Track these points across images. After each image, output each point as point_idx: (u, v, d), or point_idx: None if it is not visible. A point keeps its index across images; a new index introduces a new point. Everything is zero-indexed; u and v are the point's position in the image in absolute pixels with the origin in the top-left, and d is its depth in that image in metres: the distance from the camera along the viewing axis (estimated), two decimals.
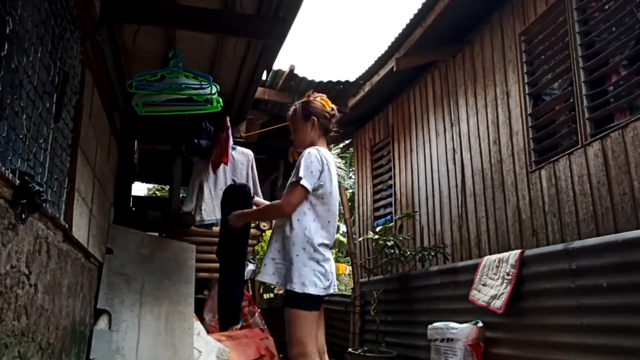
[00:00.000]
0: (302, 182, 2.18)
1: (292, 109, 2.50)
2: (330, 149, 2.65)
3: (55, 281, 2.32)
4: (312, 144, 2.37)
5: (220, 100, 3.59)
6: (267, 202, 2.59)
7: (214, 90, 3.51)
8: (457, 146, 4.75)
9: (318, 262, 2.20)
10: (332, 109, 2.44)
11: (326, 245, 2.28)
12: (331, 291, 2.27)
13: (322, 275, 2.20)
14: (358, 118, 6.59)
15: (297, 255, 2.18)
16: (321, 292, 2.18)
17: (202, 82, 3.49)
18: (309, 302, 2.16)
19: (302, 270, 2.16)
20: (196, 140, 4.39)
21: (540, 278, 2.98)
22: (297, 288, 2.14)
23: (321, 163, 2.25)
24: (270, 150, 6.46)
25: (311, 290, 2.14)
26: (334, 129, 2.47)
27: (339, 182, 15.20)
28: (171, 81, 3.42)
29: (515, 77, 4.04)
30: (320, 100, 2.44)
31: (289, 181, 2.26)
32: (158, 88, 3.39)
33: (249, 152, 4.85)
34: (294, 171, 2.27)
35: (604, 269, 2.55)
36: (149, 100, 3.44)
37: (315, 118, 2.38)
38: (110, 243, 3.96)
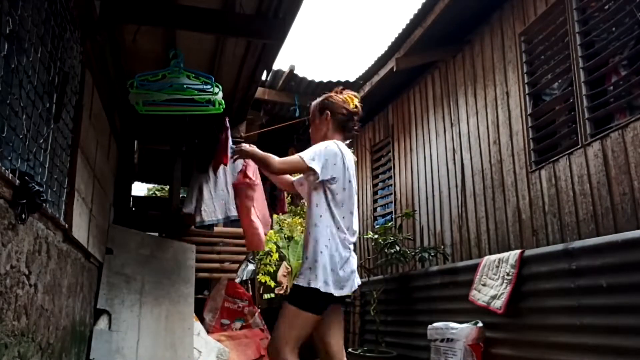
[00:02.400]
0: (302, 154, 2.14)
1: (313, 102, 2.44)
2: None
3: (55, 281, 2.32)
4: (324, 139, 2.30)
5: (223, 102, 3.58)
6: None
7: (217, 91, 3.50)
8: (457, 146, 4.75)
9: (336, 263, 2.14)
10: (355, 107, 2.36)
11: (345, 246, 2.20)
12: (345, 293, 2.17)
13: (337, 275, 2.13)
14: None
15: (321, 253, 2.12)
16: (332, 291, 2.09)
17: (204, 83, 3.48)
18: (313, 301, 2.08)
19: (317, 268, 2.10)
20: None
21: (540, 278, 2.98)
22: (305, 282, 2.09)
23: (335, 153, 2.18)
24: (271, 150, 6.47)
25: (320, 286, 2.07)
26: (351, 127, 2.39)
27: None
28: (172, 81, 3.41)
29: (515, 77, 4.04)
30: (345, 96, 2.38)
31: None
32: (159, 87, 3.39)
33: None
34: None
35: (603, 269, 2.55)
36: (149, 99, 3.43)
37: (328, 113, 2.33)
38: (110, 243, 3.96)
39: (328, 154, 2.17)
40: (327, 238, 2.15)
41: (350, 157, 2.28)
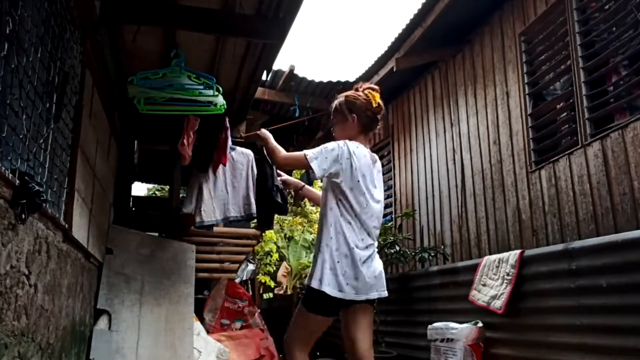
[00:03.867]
0: (305, 151, 2.19)
1: (336, 101, 2.38)
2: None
3: (55, 281, 2.32)
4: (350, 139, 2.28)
5: (225, 102, 3.57)
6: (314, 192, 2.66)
7: (217, 94, 3.49)
8: (457, 146, 4.75)
9: (349, 264, 2.11)
10: (378, 105, 2.32)
11: (362, 247, 2.17)
12: (362, 298, 2.12)
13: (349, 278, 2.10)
14: None
15: (331, 255, 2.12)
16: (340, 296, 2.07)
17: (205, 84, 3.47)
18: (323, 303, 2.07)
19: (325, 269, 2.10)
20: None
21: (540, 278, 2.98)
22: (315, 284, 2.08)
23: (338, 154, 2.17)
24: None
25: (327, 289, 2.05)
26: (375, 126, 2.37)
27: None
28: (173, 80, 3.41)
29: (515, 77, 4.04)
30: (368, 93, 2.32)
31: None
32: (159, 85, 3.38)
33: (249, 152, 4.85)
34: None
35: (603, 269, 2.55)
36: (150, 98, 3.43)
37: (355, 115, 2.29)
38: (110, 243, 3.96)
39: (330, 154, 2.17)
40: (336, 240, 2.13)
41: (363, 157, 2.24)
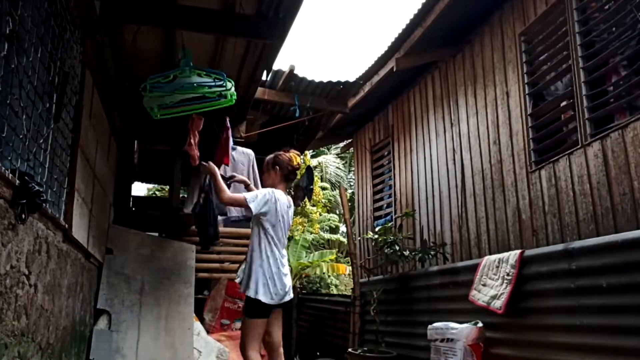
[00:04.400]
0: (245, 194, 2.98)
1: (268, 157, 3.24)
2: (289, 190, 3.50)
3: (55, 281, 2.32)
4: (272, 186, 3.10)
5: (235, 93, 3.54)
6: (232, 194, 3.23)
7: (230, 85, 3.46)
8: (457, 146, 4.75)
9: (273, 281, 2.93)
10: (297, 164, 3.19)
11: (281, 268, 2.99)
12: (280, 302, 2.95)
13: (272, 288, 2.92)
14: (358, 118, 6.59)
15: (263, 274, 2.92)
16: (270, 302, 2.88)
17: (216, 79, 3.44)
18: (260, 308, 2.87)
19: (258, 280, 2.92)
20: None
21: (540, 278, 2.98)
22: (252, 294, 2.87)
23: (268, 199, 2.96)
24: (271, 150, 6.47)
25: (262, 298, 2.85)
26: (292, 177, 3.22)
27: (338, 182, 15.23)
28: (183, 81, 3.37)
29: (515, 77, 4.04)
30: (290, 155, 3.18)
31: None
32: (171, 88, 3.34)
33: (250, 151, 4.85)
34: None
35: (603, 269, 2.55)
36: (163, 103, 3.40)
37: (277, 167, 3.14)
38: (110, 243, 3.96)
39: (262, 199, 2.96)
40: (262, 259, 2.94)
41: (283, 202, 3.05)
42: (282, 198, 3.07)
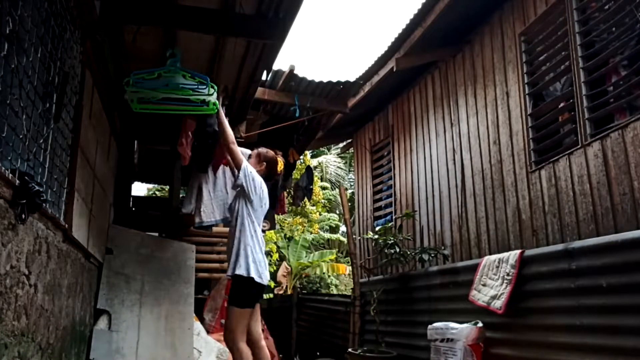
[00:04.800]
0: (245, 163, 3.16)
1: (261, 150, 3.45)
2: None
3: (55, 281, 2.32)
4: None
5: (217, 102, 3.56)
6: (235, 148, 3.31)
7: (212, 92, 3.48)
8: (457, 146, 4.75)
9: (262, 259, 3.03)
10: (280, 172, 3.55)
11: (259, 244, 3.09)
12: (265, 283, 3.02)
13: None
14: (358, 118, 6.59)
15: (248, 247, 2.99)
16: (260, 281, 2.94)
17: (200, 83, 3.46)
18: (250, 290, 2.94)
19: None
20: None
21: (540, 278, 2.98)
22: (244, 273, 2.93)
23: (254, 178, 3.15)
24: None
25: (254, 277, 2.92)
26: (268, 179, 3.40)
27: (338, 182, 15.22)
28: (168, 80, 3.39)
29: (515, 77, 4.04)
30: (280, 160, 3.46)
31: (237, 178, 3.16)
32: (154, 85, 3.36)
33: (249, 152, 4.84)
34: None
35: (603, 269, 2.55)
36: (144, 98, 3.41)
37: (265, 164, 3.37)
38: (110, 243, 3.96)
39: (253, 174, 3.16)
40: (250, 238, 3.03)
41: (265, 189, 3.25)
42: (264, 186, 3.28)
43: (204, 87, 3.44)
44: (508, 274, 3.17)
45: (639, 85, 3.05)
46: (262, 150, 3.46)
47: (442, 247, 4.68)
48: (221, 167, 4.46)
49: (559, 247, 2.92)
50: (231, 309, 2.94)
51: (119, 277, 3.88)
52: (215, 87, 3.50)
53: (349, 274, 11.40)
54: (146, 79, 3.36)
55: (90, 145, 3.12)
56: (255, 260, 2.94)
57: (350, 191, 13.51)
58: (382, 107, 6.25)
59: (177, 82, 3.38)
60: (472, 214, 4.44)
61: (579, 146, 3.34)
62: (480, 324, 3.35)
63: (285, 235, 12.61)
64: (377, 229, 5.39)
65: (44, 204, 1.82)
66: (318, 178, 14.59)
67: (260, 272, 2.95)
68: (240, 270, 2.90)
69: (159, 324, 3.92)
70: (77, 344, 3.03)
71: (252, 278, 2.90)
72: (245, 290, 2.92)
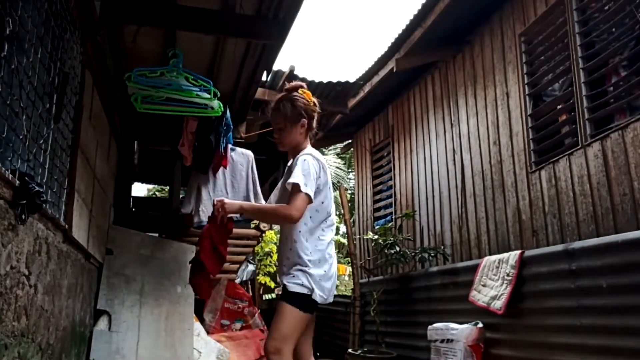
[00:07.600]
0: (304, 189, 2.04)
1: (278, 104, 2.25)
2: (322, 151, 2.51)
3: (55, 282, 2.32)
4: (298, 146, 2.24)
5: (221, 105, 3.56)
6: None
7: (214, 98, 3.49)
8: (457, 147, 4.75)
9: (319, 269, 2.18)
10: (315, 104, 2.27)
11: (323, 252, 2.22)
12: (330, 300, 2.22)
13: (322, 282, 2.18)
14: (358, 118, 6.59)
15: (309, 261, 2.15)
16: (318, 299, 2.15)
17: (202, 87, 3.46)
18: (307, 303, 2.14)
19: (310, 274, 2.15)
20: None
21: (540, 279, 2.98)
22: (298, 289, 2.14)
23: (318, 169, 2.16)
24: (271, 151, 6.46)
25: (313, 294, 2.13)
26: (315, 127, 2.33)
27: (339, 182, 15.19)
28: (171, 80, 3.39)
29: (515, 78, 4.04)
30: (303, 93, 2.25)
31: (287, 182, 2.11)
32: (157, 84, 3.36)
33: (249, 152, 4.84)
34: (291, 175, 2.12)
35: (604, 269, 2.55)
36: (147, 97, 3.41)
37: (305, 120, 2.22)
38: (110, 244, 3.96)
39: (314, 174, 2.12)
40: (310, 250, 2.17)
41: (324, 161, 2.22)
42: (324, 160, 2.23)
43: (207, 92, 3.44)
44: (508, 275, 3.17)
45: (639, 85, 3.05)
46: (283, 103, 2.24)
47: (442, 247, 4.68)
48: (220, 168, 4.46)
49: (559, 247, 2.92)
50: (291, 310, 2.15)
51: (119, 278, 3.87)
52: (218, 93, 3.50)
53: (349, 275, 11.38)
54: (148, 76, 3.37)
55: (90, 146, 3.12)
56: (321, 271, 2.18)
57: (350, 191, 13.50)
58: (382, 107, 6.25)
59: (180, 83, 3.38)
60: (472, 214, 4.44)
61: (579, 147, 3.34)
62: (480, 325, 3.35)
63: None
64: (377, 229, 5.39)
65: (44, 205, 1.82)
66: None
67: (326, 288, 2.22)
68: (311, 269, 2.17)
69: (159, 325, 3.91)
70: (77, 345, 3.03)
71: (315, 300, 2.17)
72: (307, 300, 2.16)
